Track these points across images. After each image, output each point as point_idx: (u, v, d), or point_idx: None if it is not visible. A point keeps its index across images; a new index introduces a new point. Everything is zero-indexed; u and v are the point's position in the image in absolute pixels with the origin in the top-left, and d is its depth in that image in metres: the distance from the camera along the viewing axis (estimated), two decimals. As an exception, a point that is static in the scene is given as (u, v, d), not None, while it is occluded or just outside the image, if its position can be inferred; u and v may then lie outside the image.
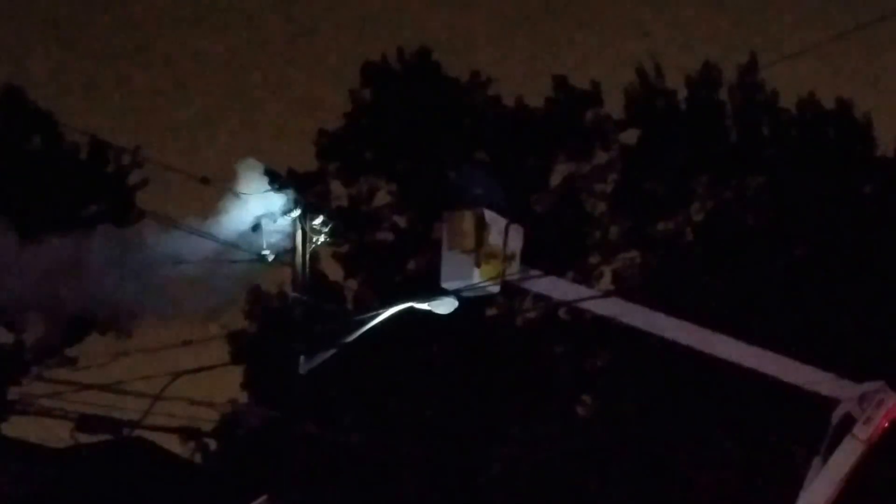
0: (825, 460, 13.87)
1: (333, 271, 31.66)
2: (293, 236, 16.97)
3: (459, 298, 15.61)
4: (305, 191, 26.34)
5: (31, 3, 51.86)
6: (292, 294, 16.99)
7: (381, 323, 16.56)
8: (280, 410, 17.29)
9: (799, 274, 27.96)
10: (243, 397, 30.44)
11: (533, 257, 15.82)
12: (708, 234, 30.80)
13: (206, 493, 24.52)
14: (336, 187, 32.54)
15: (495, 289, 15.63)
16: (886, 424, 13.82)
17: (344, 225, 29.40)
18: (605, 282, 31.13)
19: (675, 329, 15.02)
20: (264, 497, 21.53)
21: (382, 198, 32.62)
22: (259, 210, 16.54)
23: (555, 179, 32.51)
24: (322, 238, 17.29)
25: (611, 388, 30.14)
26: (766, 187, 30.94)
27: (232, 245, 16.36)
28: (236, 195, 16.27)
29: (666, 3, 49.69)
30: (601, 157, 32.38)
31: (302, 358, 16.51)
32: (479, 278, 15.21)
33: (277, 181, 16.98)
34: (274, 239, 16.72)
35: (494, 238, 15.24)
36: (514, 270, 15.44)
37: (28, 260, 15.60)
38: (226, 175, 16.25)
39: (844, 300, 27.66)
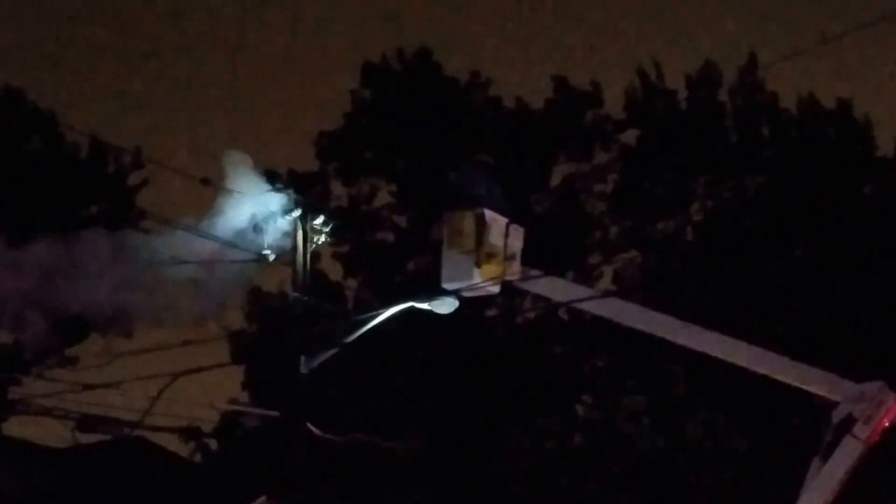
0: (825, 461, 13.85)
1: (334, 271, 31.72)
2: (293, 236, 16.97)
3: (459, 298, 15.59)
4: (306, 191, 26.41)
5: (31, 3, 51.85)
6: (293, 294, 16.99)
7: (382, 323, 16.56)
8: (280, 410, 17.29)
9: (799, 274, 27.98)
10: (243, 397, 30.46)
11: (533, 257, 15.82)
12: (708, 235, 30.82)
13: (206, 494, 24.52)
14: (336, 187, 32.61)
15: (495, 289, 15.61)
16: (886, 425, 13.81)
17: (344, 225, 29.44)
18: (605, 282, 31.19)
19: (675, 329, 15.00)
20: (264, 497, 21.52)
21: (383, 198, 32.69)
22: (259, 210, 16.55)
23: (555, 180, 32.55)
24: (322, 238, 17.29)
25: (610, 388, 30.16)
26: (765, 188, 30.96)
27: (232, 245, 16.37)
28: (236, 195, 16.27)
29: (666, 3, 49.69)
30: (601, 157, 32.43)
31: (302, 358, 16.51)
32: (480, 278, 15.20)
33: (278, 181, 17.00)
34: (274, 239, 16.72)
35: (494, 238, 15.23)
36: (514, 271, 15.42)
37: (28, 260, 15.60)
38: (226, 176, 16.25)
39: (844, 300, 27.67)
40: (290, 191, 17.25)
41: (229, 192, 16.19)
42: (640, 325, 15.15)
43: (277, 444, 17.36)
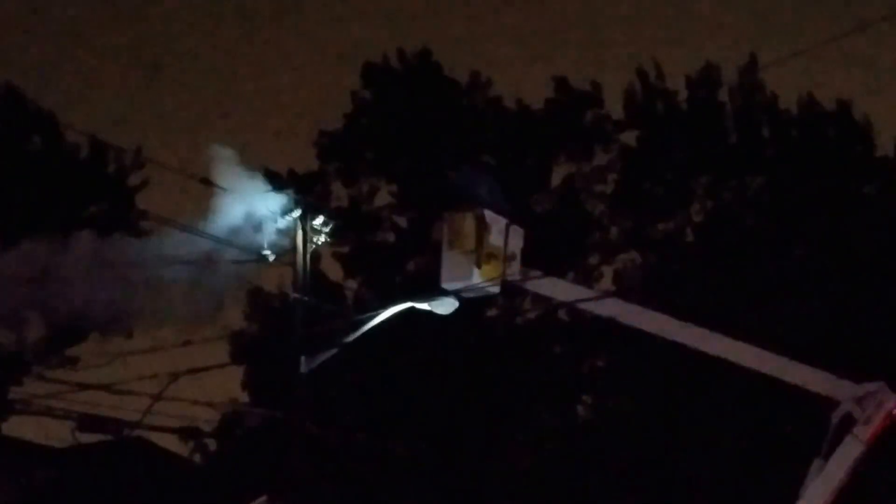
0: (825, 460, 13.87)
1: (334, 271, 31.72)
2: (294, 236, 16.99)
3: (460, 299, 15.62)
4: (306, 191, 26.41)
5: (31, 3, 51.87)
6: (293, 294, 17.01)
7: (382, 323, 16.58)
8: (280, 410, 17.30)
9: (799, 274, 27.97)
10: (243, 397, 30.47)
11: (533, 258, 15.83)
12: (708, 235, 30.81)
13: (205, 494, 24.53)
14: (337, 188, 32.60)
15: (495, 289, 15.63)
16: (887, 425, 13.82)
17: (344, 225, 29.43)
18: (606, 282, 31.18)
19: (675, 329, 15.02)
20: (264, 497, 21.55)
21: (383, 198, 32.68)
22: (260, 210, 16.56)
23: (555, 180, 32.55)
24: (322, 238, 17.31)
25: (610, 388, 30.16)
26: (765, 188, 30.95)
27: (233, 245, 16.38)
28: (237, 196, 16.28)
29: (666, 3, 49.69)
30: (601, 157, 32.42)
31: (302, 358, 16.52)
32: (480, 279, 15.22)
33: (278, 181, 17.03)
34: (274, 239, 16.73)
35: (495, 239, 15.25)
36: (514, 271, 15.44)
37: (29, 260, 15.61)
38: (227, 176, 16.25)
39: (844, 300, 27.67)
40: (291, 191, 17.28)
41: (229, 192, 16.20)
42: (640, 325, 15.16)
43: (277, 444, 17.37)
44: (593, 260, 31.94)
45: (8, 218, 28.38)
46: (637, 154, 31.95)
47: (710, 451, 27.41)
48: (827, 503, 13.79)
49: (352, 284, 32.12)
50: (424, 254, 29.64)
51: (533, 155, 32.24)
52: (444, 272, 15.49)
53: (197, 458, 30.90)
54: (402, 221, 32.57)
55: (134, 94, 49.02)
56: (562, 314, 30.66)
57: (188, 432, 22.65)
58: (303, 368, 16.49)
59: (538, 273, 15.71)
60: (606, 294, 19.86)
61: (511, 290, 17.52)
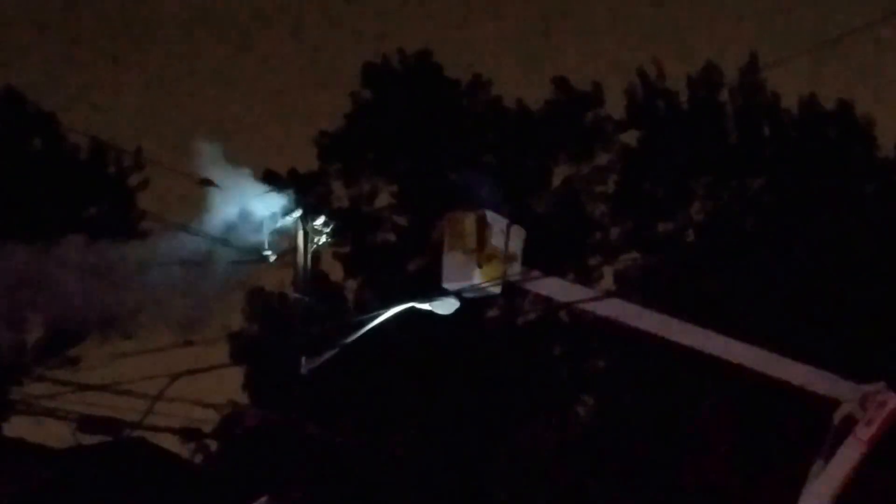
0: (826, 461, 13.85)
1: (334, 272, 31.73)
2: (294, 237, 16.97)
3: (460, 299, 15.61)
4: (307, 191, 26.42)
5: (31, 3, 51.86)
6: (293, 294, 16.99)
7: (383, 323, 16.57)
8: (281, 411, 17.29)
9: (799, 274, 27.96)
10: (244, 398, 30.46)
11: (534, 258, 15.82)
12: (708, 235, 30.80)
13: (206, 494, 24.52)
14: (337, 188, 32.62)
15: (496, 289, 15.64)
16: (888, 425, 13.81)
17: (345, 226, 29.45)
18: (606, 283, 31.18)
19: (676, 330, 15.01)
20: (264, 498, 21.52)
21: (383, 198, 32.69)
22: (260, 211, 16.55)
23: (555, 180, 32.55)
24: (323, 238, 17.29)
25: (611, 388, 30.15)
26: (766, 188, 30.95)
27: (233, 246, 16.37)
28: (238, 196, 16.27)
29: (667, 3, 49.71)
30: (602, 158, 32.42)
31: (303, 358, 16.51)
32: (480, 279, 15.22)
33: (279, 182, 17.02)
34: (275, 239, 16.72)
35: (495, 239, 15.25)
36: (514, 271, 15.44)
37: (29, 261, 15.60)
38: (227, 177, 16.25)
39: (845, 300, 27.66)
40: (291, 191, 17.26)
41: (230, 192, 16.19)
42: (640, 326, 15.15)
43: (278, 444, 17.36)
44: (594, 260, 31.95)
45: (8, 218, 28.38)
46: (637, 154, 31.95)
47: (710, 452, 27.39)
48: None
49: (352, 285, 32.15)
50: (425, 254, 29.63)
51: (533, 155, 32.24)
52: (445, 272, 15.49)
53: (197, 458, 30.90)
54: (403, 222, 32.57)
55: (134, 95, 49.04)
56: (562, 315, 30.66)
57: (188, 433, 22.60)
58: (303, 369, 16.47)
59: (539, 273, 15.70)
60: (607, 295, 19.84)
61: (512, 291, 17.51)
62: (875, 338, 26.38)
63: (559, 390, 30.56)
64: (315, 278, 17.22)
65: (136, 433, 18.55)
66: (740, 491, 26.44)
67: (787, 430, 25.41)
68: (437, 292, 15.67)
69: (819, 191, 29.76)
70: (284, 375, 16.78)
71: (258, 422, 22.80)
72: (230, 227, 16.28)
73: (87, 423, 16.29)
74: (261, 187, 17.02)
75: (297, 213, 16.87)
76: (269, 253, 16.67)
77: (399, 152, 32.38)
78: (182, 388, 16.08)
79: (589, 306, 16.22)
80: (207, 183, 16.01)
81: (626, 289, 28.98)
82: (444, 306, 15.78)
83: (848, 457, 13.72)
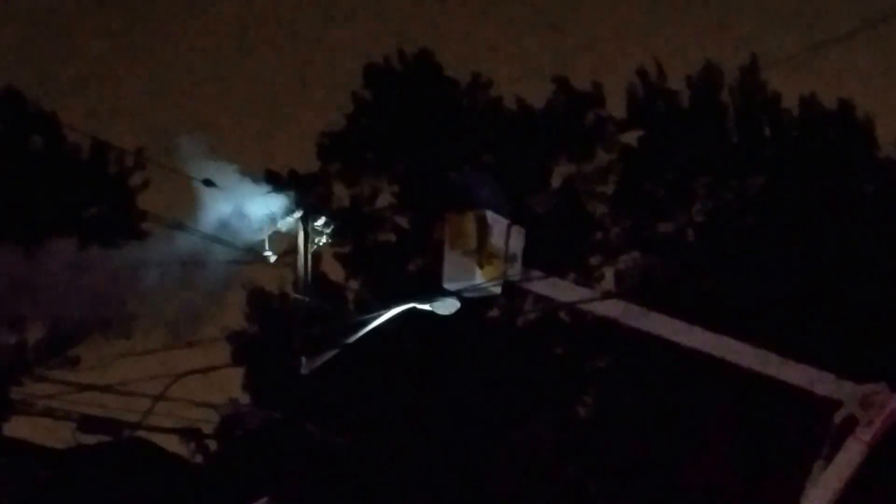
0: (827, 462, 13.85)
1: (335, 272, 31.72)
2: (295, 237, 16.97)
3: (461, 299, 15.62)
4: (307, 192, 26.44)
5: (32, 3, 51.88)
6: (294, 295, 16.99)
7: (383, 324, 16.57)
8: (281, 411, 17.29)
9: (800, 274, 27.95)
10: (244, 398, 30.46)
11: (534, 258, 15.83)
12: (709, 236, 30.80)
13: (206, 494, 24.53)
14: (338, 188, 32.62)
15: (497, 290, 15.65)
16: (889, 426, 13.80)
17: (345, 226, 29.45)
18: (607, 283, 31.17)
19: (676, 330, 15.01)
20: (265, 498, 21.52)
21: (384, 199, 32.69)
22: (261, 211, 16.55)
23: (556, 181, 32.55)
24: (324, 239, 17.29)
25: (611, 388, 30.14)
26: (767, 188, 30.93)
27: (234, 246, 16.37)
28: (237, 197, 16.26)
29: (668, 4, 49.68)
30: (602, 158, 32.41)
31: (303, 359, 16.51)
32: (481, 279, 15.23)
33: (279, 182, 17.02)
34: (276, 240, 16.72)
35: (496, 239, 15.26)
36: (515, 271, 15.45)
37: (31, 261, 15.60)
38: (229, 177, 16.25)
39: (846, 301, 27.65)
40: (292, 192, 17.26)
41: (230, 193, 16.19)
42: (641, 326, 15.15)
43: (278, 445, 17.36)
44: (594, 260, 31.94)
45: (9, 218, 28.38)
46: (638, 154, 31.94)
47: (710, 453, 27.39)
48: (829, 504, 13.79)
49: (353, 285, 32.15)
50: (426, 254, 29.62)
51: (534, 155, 32.24)
52: (446, 272, 15.50)
53: (198, 459, 30.90)
54: (404, 222, 32.57)
55: (136, 96, 49.04)
56: (563, 315, 30.66)
57: (189, 433, 22.64)
58: (304, 369, 16.47)
59: (539, 273, 15.71)
60: (607, 295, 19.85)
61: (512, 291, 17.52)
62: (875, 338, 26.37)
63: (559, 390, 30.55)
64: (315, 279, 17.23)
65: (137, 433, 18.57)
66: (740, 491, 26.43)
67: (788, 430, 25.41)
68: (437, 292, 15.67)
69: (819, 191, 29.75)
70: (285, 376, 16.79)
71: (258, 422, 22.83)
72: (231, 228, 16.27)
73: (87, 423, 16.29)
74: (261, 188, 17.02)
75: (298, 214, 16.87)
76: (269, 253, 16.67)
77: (399, 152, 32.38)
78: (182, 389, 16.10)
79: (589, 306, 16.24)
80: (208, 183, 16.00)
81: (627, 289, 28.99)
82: (445, 306, 15.79)
83: (849, 457, 13.72)
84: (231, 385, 30.39)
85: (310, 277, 17.02)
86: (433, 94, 32.45)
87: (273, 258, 16.77)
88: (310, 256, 16.96)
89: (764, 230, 29.72)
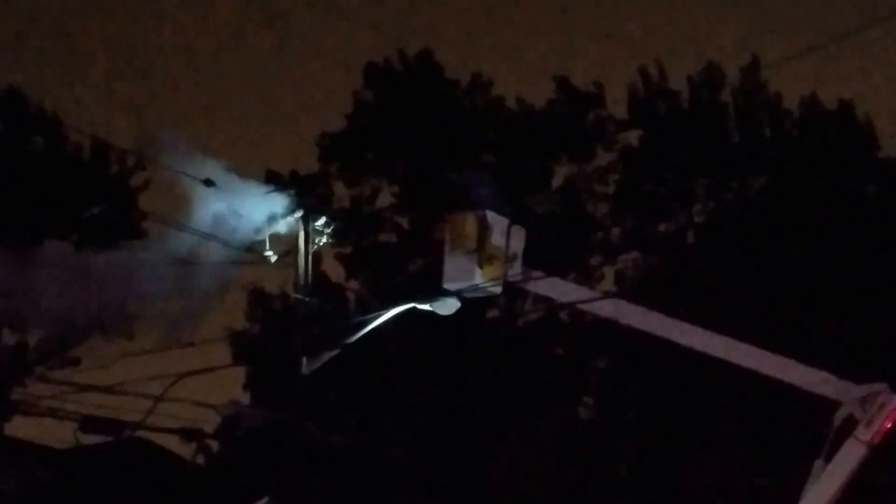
0: (827, 463, 13.85)
1: (336, 272, 31.75)
2: (295, 237, 16.98)
3: (461, 299, 15.61)
4: (308, 192, 26.41)
5: (32, 3, 51.92)
6: (294, 295, 17.00)
7: (383, 324, 16.57)
8: (282, 412, 17.30)
9: (800, 275, 27.95)
10: (245, 398, 30.48)
11: (534, 258, 15.83)
12: (709, 236, 30.81)
13: (207, 495, 24.53)
14: (338, 189, 32.65)
15: (497, 290, 15.64)
16: (889, 426, 13.79)
17: (346, 226, 29.49)
18: (607, 283, 31.19)
19: (677, 331, 15.01)
20: (266, 498, 21.53)
21: (385, 199, 32.72)
22: (262, 212, 16.56)
23: (556, 180, 32.57)
24: (324, 239, 17.31)
25: (611, 389, 30.16)
26: (767, 188, 30.94)
27: (234, 246, 16.38)
28: (238, 197, 16.28)
29: (669, 4, 49.71)
30: (603, 157, 32.44)
31: (304, 359, 16.52)
32: (481, 279, 15.23)
33: (280, 182, 17.03)
34: (276, 240, 16.73)
35: (496, 239, 15.25)
36: (515, 271, 15.44)
37: (32, 261, 15.62)
38: (229, 177, 16.27)
39: (846, 301, 27.66)
40: (293, 192, 17.26)
41: (231, 193, 16.20)
42: (641, 326, 15.15)
43: (279, 445, 17.37)
44: (595, 260, 31.96)
45: (10, 218, 28.40)
46: (639, 154, 31.96)
47: (710, 453, 27.40)
48: (829, 505, 13.79)
49: (353, 285, 32.19)
50: (426, 254, 29.65)
51: (534, 155, 32.25)
52: (446, 273, 15.49)
53: (199, 459, 30.90)
54: (404, 222, 32.60)
55: (137, 96, 49.08)
56: (563, 315, 30.67)
57: (190, 433, 22.59)
58: (304, 369, 16.48)
59: (540, 274, 15.71)
60: (608, 295, 19.85)
61: (512, 291, 17.53)
62: (875, 338, 26.38)
63: (559, 390, 30.56)
64: (316, 279, 17.24)
65: (138, 433, 18.55)
66: (740, 491, 26.44)
67: (788, 430, 25.42)
68: (437, 293, 15.67)
69: (820, 191, 29.76)
70: (286, 376, 16.80)
71: (259, 422, 22.83)
72: (231, 228, 16.28)
73: (88, 423, 16.29)
74: (262, 188, 17.04)
75: (299, 214, 16.88)
76: (270, 253, 16.68)
77: (400, 153, 32.39)
78: (183, 389, 16.10)
79: (589, 306, 16.24)
80: (209, 183, 16.01)
81: (627, 289, 28.99)
82: (445, 307, 15.78)
83: (848, 458, 13.71)
84: (232, 385, 30.44)
85: (310, 278, 17.03)
86: (433, 94, 32.46)
87: (274, 258, 16.78)
88: (310, 256, 16.98)
89: (764, 230, 29.73)
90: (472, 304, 16.18)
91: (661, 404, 28.16)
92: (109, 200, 30.56)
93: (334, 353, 16.52)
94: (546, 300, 21.77)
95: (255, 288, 31.38)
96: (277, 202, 16.76)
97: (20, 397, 19.28)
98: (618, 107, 32.26)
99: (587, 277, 31.00)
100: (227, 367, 24.92)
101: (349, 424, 29.12)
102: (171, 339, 16.73)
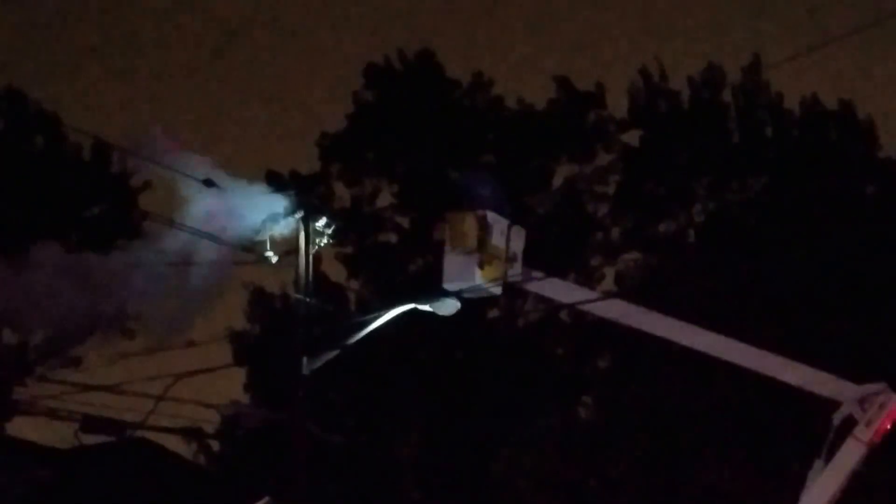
0: (826, 462, 13.87)
1: (336, 272, 31.77)
2: (296, 238, 16.97)
3: (461, 300, 15.62)
4: (308, 192, 26.42)
5: (34, 2, 51.94)
6: (295, 295, 16.99)
7: (384, 324, 16.58)
8: (282, 412, 17.31)
9: (800, 275, 27.96)
10: (245, 398, 30.50)
11: (534, 259, 15.84)
12: (710, 236, 30.82)
13: (208, 494, 24.54)
14: (339, 189, 32.66)
15: (497, 290, 15.65)
16: (888, 426, 13.82)
17: (346, 226, 29.50)
18: (607, 283, 31.20)
19: (677, 331, 15.03)
20: (266, 498, 21.56)
21: (385, 199, 32.73)
22: (262, 212, 16.55)
23: (557, 181, 32.58)
24: (325, 239, 17.30)
25: (611, 389, 30.16)
26: (768, 188, 30.95)
27: (235, 247, 16.38)
28: (239, 197, 16.27)
29: (669, 3, 49.72)
30: (603, 158, 32.44)
31: (304, 359, 16.52)
32: (481, 280, 15.23)
33: (280, 183, 17.03)
34: (277, 240, 16.72)
35: (496, 239, 15.26)
36: (515, 272, 15.45)
37: (32, 261, 15.63)
38: (230, 177, 16.26)
39: (846, 301, 27.66)
40: (293, 192, 17.25)
41: (231, 193, 16.20)
42: (641, 327, 15.17)
43: (279, 445, 17.38)
44: (595, 261, 31.97)
45: (10, 218, 28.42)
46: (639, 154, 31.97)
47: (711, 453, 27.41)
48: (828, 504, 13.80)
49: (354, 285, 32.20)
50: (426, 254, 29.66)
51: (535, 155, 32.26)
52: (446, 273, 15.50)
53: (199, 459, 30.93)
54: (404, 222, 32.61)
55: (137, 96, 49.09)
56: (563, 315, 30.67)
57: (191, 433, 22.65)
58: (305, 369, 16.48)
59: (540, 274, 15.72)
60: (608, 295, 19.87)
61: (512, 292, 17.52)
62: (875, 338, 26.38)
63: (560, 391, 30.57)
64: (316, 279, 17.22)
65: (139, 433, 18.57)
66: (741, 491, 26.45)
67: (787, 430, 25.43)
68: (438, 293, 15.67)
69: (820, 191, 29.76)
70: (286, 376, 16.79)
71: (259, 422, 22.85)
72: (231, 228, 16.28)
73: (89, 423, 16.29)
74: (262, 188, 17.03)
75: (299, 214, 16.87)
76: (270, 254, 16.67)
77: (400, 153, 32.41)
78: (184, 389, 16.12)
79: (589, 307, 16.25)
80: (209, 184, 16.00)
81: (627, 289, 29.00)
82: (445, 307, 15.78)
83: (848, 458, 13.74)
84: (233, 385, 30.46)
85: (310, 278, 17.02)
86: (433, 94, 32.47)
87: (274, 259, 16.76)
88: (311, 257, 16.96)
89: (765, 230, 29.73)
90: (473, 305, 16.18)
91: (661, 404, 28.15)
92: (109, 200, 30.57)
93: (334, 353, 16.51)
94: (546, 300, 21.74)
95: (255, 288, 31.41)
96: (277, 202, 16.74)
97: (21, 397, 19.29)
98: (618, 107, 32.30)
99: (587, 278, 31.01)
100: (227, 367, 24.91)
101: (349, 424, 29.12)
102: (171, 339, 16.74)
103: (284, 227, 16.85)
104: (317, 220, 17.08)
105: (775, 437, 26.59)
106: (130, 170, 30.80)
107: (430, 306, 15.87)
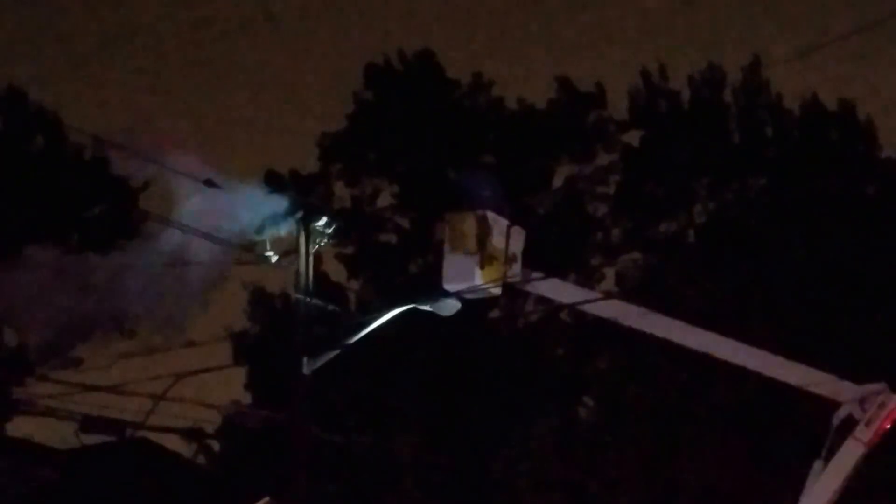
0: (826, 462, 13.88)
1: (336, 273, 31.76)
2: (296, 238, 16.98)
3: (461, 300, 15.62)
4: (308, 192, 26.47)
5: (34, 3, 51.94)
6: (295, 295, 17.00)
7: (384, 324, 16.58)
8: (283, 412, 17.31)
9: (801, 275, 27.97)
10: (246, 398, 30.51)
11: (535, 259, 15.85)
12: (710, 236, 30.82)
13: (208, 495, 24.54)
14: (339, 189, 32.67)
15: (497, 291, 15.65)
16: (888, 426, 13.82)
17: (347, 226, 29.48)
18: (607, 283, 31.20)
19: (677, 331, 15.04)
20: (267, 498, 21.56)
21: (385, 199, 32.74)
22: (262, 212, 16.56)
23: (557, 181, 32.58)
24: (325, 239, 17.30)
25: (611, 389, 30.17)
26: (768, 189, 30.96)
27: (235, 247, 16.38)
28: (239, 197, 16.28)
29: (669, 4, 49.72)
30: (603, 158, 32.46)
31: (305, 359, 16.52)
32: (481, 280, 15.24)
33: (280, 183, 17.03)
34: (277, 240, 16.73)
35: (496, 240, 15.27)
36: (515, 272, 15.45)
37: (33, 262, 15.63)
38: (230, 177, 16.27)
39: (846, 301, 27.67)
40: (293, 192, 17.27)
41: (232, 193, 16.20)
42: (641, 327, 15.17)
43: (280, 445, 17.39)
44: (595, 261, 31.97)
45: (11, 218, 28.41)
46: (639, 155, 31.98)
47: (711, 453, 27.42)
48: (828, 504, 13.81)
49: (354, 285, 32.20)
50: (426, 255, 29.68)
51: (535, 155, 32.27)
52: (446, 273, 15.50)
53: (200, 459, 30.93)
54: (405, 222, 32.61)
55: (138, 96, 49.07)
56: (563, 316, 30.67)
57: (191, 433, 22.65)
58: (305, 370, 16.49)
59: (540, 274, 15.73)
60: (608, 296, 19.87)
61: (513, 292, 17.53)
62: (875, 338, 26.39)
63: (560, 391, 30.57)
64: (317, 279, 17.23)
65: (139, 433, 18.57)
66: (740, 491, 26.45)
67: (787, 430, 25.44)
68: (438, 293, 15.68)
69: (821, 191, 29.77)
70: (286, 376, 16.80)
71: (259, 422, 22.86)
72: (232, 229, 16.28)
73: (89, 423, 16.30)
74: (263, 188, 17.04)
75: (299, 214, 16.87)
76: (270, 254, 16.67)
77: (400, 153, 32.42)
78: (184, 389, 16.12)
79: (590, 307, 16.26)
80: (209, 184, 16.01)
81: (627, 289, 29.00)
82: (445, 307, 15.78)
83: (848, 457, 13.74)
84: (233, 385, 30.47)
85: (311, 278, 17.03)
86: (433, 94, 32.48)
87: (274, 259, 16.77)
88: (311, 257, 16.97)
89: (765, 231, 29.74)
90: (473, 305, 16.19)
91: (661, 404, 28.16)
92: (109, 201, 30.56)
93: (335, 352, 16.51)
94: (546, 301, 21.75)
95: (255, 288, 31.41)
96: (277, 202, 16.74)
97: (21, 397, 19.29)
98: (618, 107, 32.30)
99: (587, 278, 31.02)
100: (227, 367, 24.91)
101: (349, 424, 29.13)
102: (171, 339, 16.74)
103: (284, 226, 16.85)
104: (317, 220, 17.08)
105: (775, 437, 26.60)
106: (130, 170, 30.79)
107: (431, 307, 15.87)
